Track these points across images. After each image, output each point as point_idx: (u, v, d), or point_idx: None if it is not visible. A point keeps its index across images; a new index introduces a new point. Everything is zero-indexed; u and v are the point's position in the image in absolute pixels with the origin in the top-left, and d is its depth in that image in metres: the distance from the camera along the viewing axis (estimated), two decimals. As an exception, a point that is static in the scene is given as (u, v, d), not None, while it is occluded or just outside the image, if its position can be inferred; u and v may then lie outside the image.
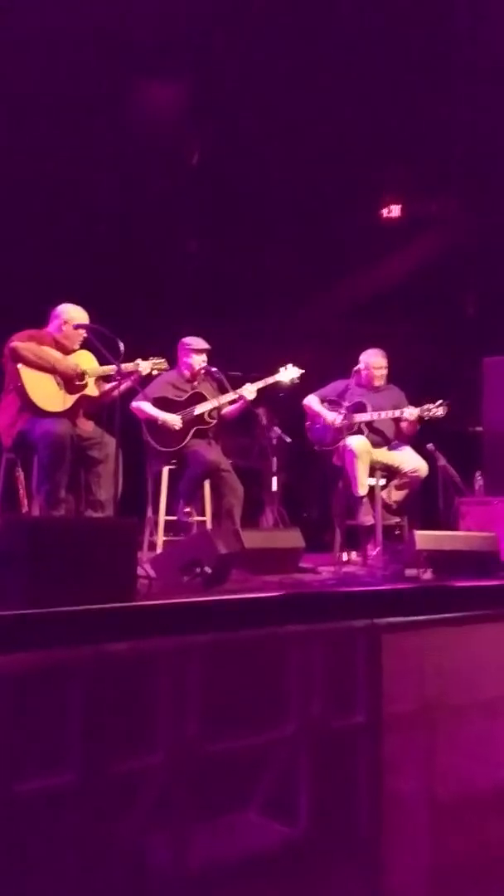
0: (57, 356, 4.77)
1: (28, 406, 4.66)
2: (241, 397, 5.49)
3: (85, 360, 4.87)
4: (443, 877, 3.34)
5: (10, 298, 5.78)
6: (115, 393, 4.76)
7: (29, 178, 6.85)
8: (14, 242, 6.49)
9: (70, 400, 4.77)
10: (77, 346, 4.86)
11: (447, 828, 3.36)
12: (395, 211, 9.14)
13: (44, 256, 6.71)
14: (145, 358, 5.03)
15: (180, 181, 8.11)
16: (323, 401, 5.83)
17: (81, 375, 4.79)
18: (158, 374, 5.32)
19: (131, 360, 4.91)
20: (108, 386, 4.92)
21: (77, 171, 7.22)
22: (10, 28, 6.48)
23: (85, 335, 4.81)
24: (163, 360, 5.17)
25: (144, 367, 5.00)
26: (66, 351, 4.84)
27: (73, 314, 4.86)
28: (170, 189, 7.92)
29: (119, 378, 4.63)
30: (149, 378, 5.21)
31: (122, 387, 4.74)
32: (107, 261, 7.33)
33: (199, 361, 5.63)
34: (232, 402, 5.56)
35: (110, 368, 4.77)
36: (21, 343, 4.70)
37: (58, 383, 4.76)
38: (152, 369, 5.09)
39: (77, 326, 4.80)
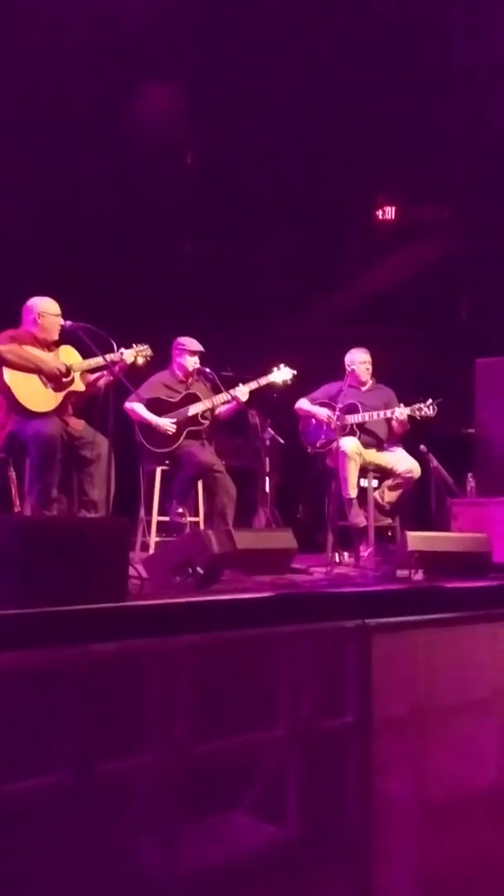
0: (41, 356, 4.75)
1: (16, 408, 4.64)
2: (234, 398, 5.50)
3: (68, 356, 4.85)
4: (432, 879, 3.35)
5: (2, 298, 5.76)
6: (101, 383, 4.76)
7: (24, 178, 6.85)
8: (8, 242, 6.48)
9: (58, 398, 4.75)
10: (56, 337, 4.83)
11: (436, 830, 3.36)
12: (389, 214, 9.16)
13: (39, 256, 6.70)
14: (128, 346, 4.98)
15: (176, 182, 8.11)
16: (314, 404, 5.85)
17: (67, 372, 4.77)
18: (148, 371, 5.28)
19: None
20: (92, 377, 4.89)
21: (73, 172, 7.22)
22: (9, 27, 6.48)
23: (62, 326, 4.78)
24: (146, 347, 5.07)
25: (129, 354, 4.93)
26: (47, 345, 4.81)
27: (46, 307, 4.82)
28: (165, 190, 7.92)
29: (106, 366, 4.60)
30: (134, 367, 5.11)
31: (109, 378, 4.72)
32: (102, 261, 7.32)
33: (192, 363, 5.63)
34: (225, 402, 5.56)
35: (95, 361, 4.76)
36: (2, 346, 4.66)
37: (43, 382, 4.73)
38: (137, 356, 5.01)
39: (71, 327, 4.76)
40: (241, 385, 5.52)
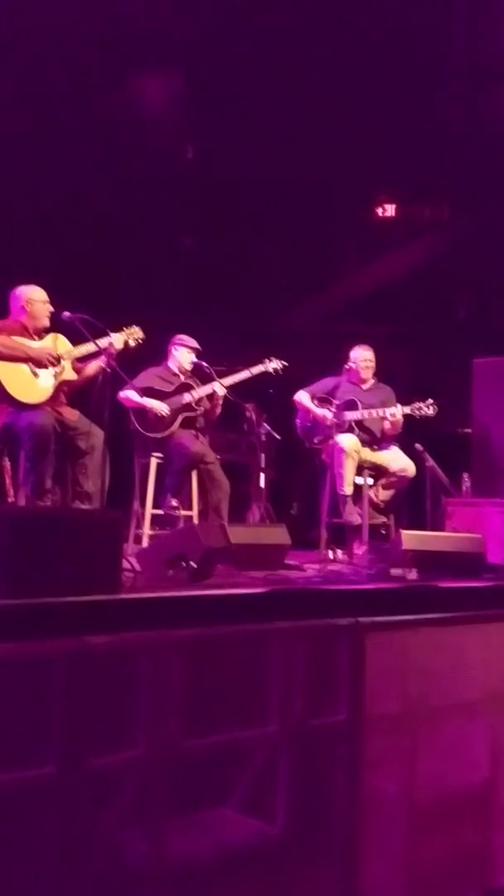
0: (30, 344, 4.71)
1: (6, 400, 4.60)
2: (213, 392, 5.49)
3: (59, 344, 4.82)
4: (418, 877, 3.34)
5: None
6: (91, 371, 4.73)
7: (21, 170, 6.81)
8: (2, 232, 6.45)
9: (49, 388, 4.70)
10: (46, 324, 4.78)
11: (424, 828, 3.36)
12: (388, 211, 9.15)
13: (36, 247, 6.67)
14: (118, 331, 4.88)
15: (175, 176, 8.09)
16: (313, 398, 5.83)
17: (57, 360, 4.74)
18: (142, 358, 5.25)
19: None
20: (82, 365, 4.85)
21: (71, 165, 7.18)
22: (6, 16, 6.44)
23: (52, 310, 4.75)
24: (136, 328, 4.98)
25: (117, 338, 4.82)
26: (37, 333, 4.77)
27: (34, 294, 4.77)
28: (164, 183, 7.90)
29: (97, 353, 4.58)
30: (127, 352, 4.95)
31: (100, 362, 4.69)
32: (101, 254, 7.30)
33: (188, 360, 5.63)
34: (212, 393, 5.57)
35: (85, 348, 4.72)
36: None
37: (34, 372, 4.68)
38: (128, 338, 4.90)
39: (69, 318, 4.72)
40: (215, 382, 5.51)
